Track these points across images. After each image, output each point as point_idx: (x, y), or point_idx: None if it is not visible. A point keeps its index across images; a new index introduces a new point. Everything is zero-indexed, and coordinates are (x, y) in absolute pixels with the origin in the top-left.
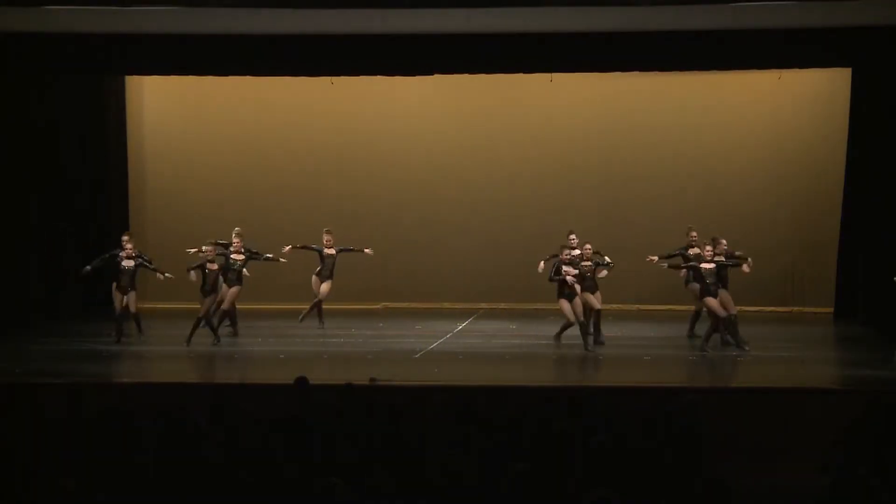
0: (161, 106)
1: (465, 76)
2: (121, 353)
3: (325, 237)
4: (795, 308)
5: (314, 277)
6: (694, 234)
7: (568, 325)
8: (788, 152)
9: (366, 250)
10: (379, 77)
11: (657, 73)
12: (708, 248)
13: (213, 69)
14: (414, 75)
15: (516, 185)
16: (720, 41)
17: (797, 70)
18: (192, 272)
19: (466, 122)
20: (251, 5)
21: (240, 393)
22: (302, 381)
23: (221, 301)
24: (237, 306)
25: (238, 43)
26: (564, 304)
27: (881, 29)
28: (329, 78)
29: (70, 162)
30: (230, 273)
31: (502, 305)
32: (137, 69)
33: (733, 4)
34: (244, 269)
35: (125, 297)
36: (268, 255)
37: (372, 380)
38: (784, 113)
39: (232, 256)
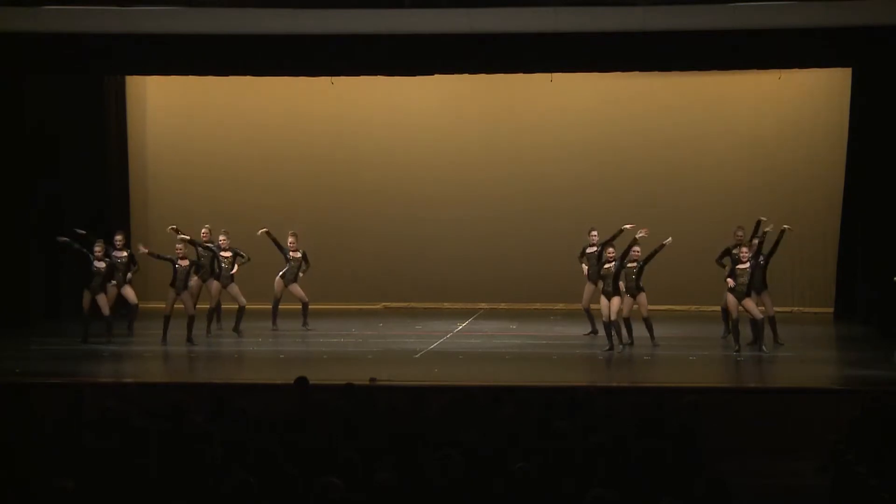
0: (162, 106)
1: (466, 76)
2: (121, 353)
3: (290, 239)
4: (795, 308)
5: (278, 279)
6: (740, 232)
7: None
8: (788, 152)
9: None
10: (379, 77)
11: (657, 73)
12: (744, 249)
13: (213, 69)
14: (414, 75)
15: (516, 184)
16: (720, 41)
17: (797, 70)
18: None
19: (466, 122)
20: (251, 5)
21: (240, 393)
22: (302, 381)
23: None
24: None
25: (238, 43)
26: (603, 302)
27: (881, 29)
28: (329, 78)
29: (70, 162)
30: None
31: (502, 305)
32: (137, 69)
33: (733, 4)
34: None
35: (95, 298)
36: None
37: (372, 380)
38: (784, 113)
39: (221, 254)
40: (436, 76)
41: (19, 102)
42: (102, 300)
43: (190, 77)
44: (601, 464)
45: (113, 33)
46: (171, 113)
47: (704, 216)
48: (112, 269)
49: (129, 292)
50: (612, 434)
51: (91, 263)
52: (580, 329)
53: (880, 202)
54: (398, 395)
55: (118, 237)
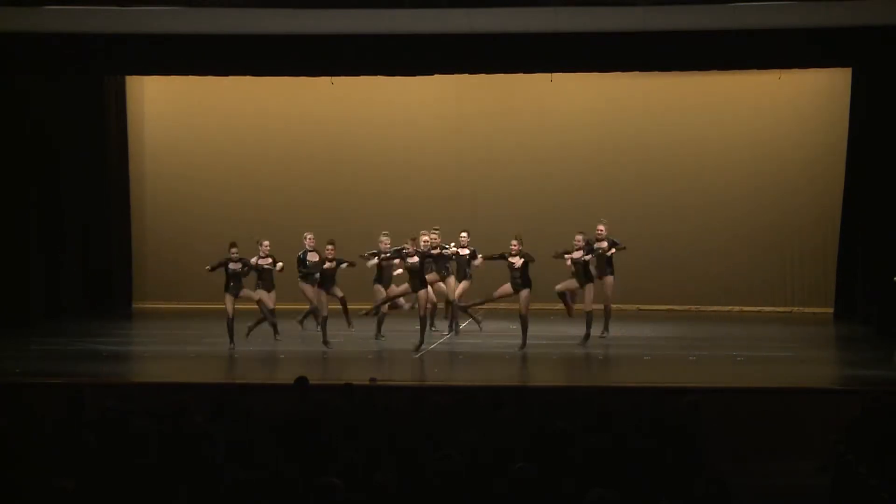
0: (161, 106)
1: (466, 76)
2: (121, 354)
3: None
4: (795, 308)
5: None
6: (601, 227)
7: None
8: (788, 152)
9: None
10: (379, 77)
11: (657, 73)
12: (514, 242)
13: (213, 69)
14: (414, 75)
15: (516, 184)
16: (720, 41)
17: (797, 70)
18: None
19: (466, 121)
20: (251, 5)
21: (240, 393)
22: (302, 381)
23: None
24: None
25: (238, 43)
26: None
27: (881, 29)
28: (329, 78)
29: (70, 162)
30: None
31: (502, 305)
32: (137, 69)
33: (733, 4)
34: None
35: (234, 300)
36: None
37: (372, 380)
38: (784, 113)
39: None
40: (436, 76)
41: (19, 102)
42: (230, 301)
43: (190, 77)
44: (601, 464)
45: (113, 33)
46: (172, 113)
47: (704, 216)
48: (248, 272)
49: (263, 295)
50: (612, 434)
51: (227, 266)
52: (580, 329)
53: (880, 202)
54: (398, 395)
55: (265, 242)
